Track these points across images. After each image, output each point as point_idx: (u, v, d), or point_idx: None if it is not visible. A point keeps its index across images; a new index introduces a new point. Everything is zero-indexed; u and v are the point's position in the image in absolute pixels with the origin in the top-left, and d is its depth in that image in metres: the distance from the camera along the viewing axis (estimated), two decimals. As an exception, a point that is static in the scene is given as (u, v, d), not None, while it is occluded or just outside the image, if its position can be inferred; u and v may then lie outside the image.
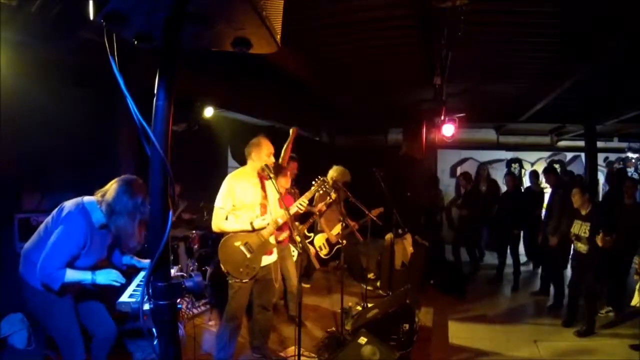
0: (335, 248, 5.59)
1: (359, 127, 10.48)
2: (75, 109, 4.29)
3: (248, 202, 3.43)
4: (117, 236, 2.72)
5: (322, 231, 5.75)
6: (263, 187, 3.56)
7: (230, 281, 3.41)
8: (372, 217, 5.51)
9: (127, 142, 4.73)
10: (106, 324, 2.89)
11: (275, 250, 3.68)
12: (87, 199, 2.68)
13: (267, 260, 3.56)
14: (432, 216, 8.27)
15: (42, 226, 2.70)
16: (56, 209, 2.70)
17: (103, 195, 2.61)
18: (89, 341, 2.86)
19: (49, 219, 2.69)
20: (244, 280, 3.36)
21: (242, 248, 3.37)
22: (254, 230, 3.37)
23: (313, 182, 3.74)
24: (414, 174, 8.98)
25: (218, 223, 3.38)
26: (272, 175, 3.43)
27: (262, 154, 3.47)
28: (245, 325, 4.37)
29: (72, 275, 2.50)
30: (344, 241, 5.00)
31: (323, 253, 5.60)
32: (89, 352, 2.84)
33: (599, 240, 4.30)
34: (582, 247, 4.70)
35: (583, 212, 4.73)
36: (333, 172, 5.64)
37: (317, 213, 5.45)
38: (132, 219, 2.57)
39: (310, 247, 5.47)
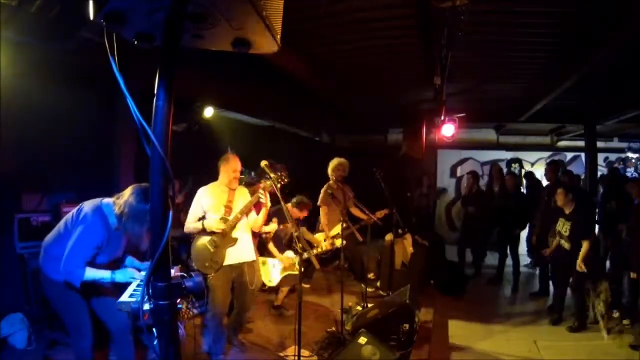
0: (334, 248, 5.56)
1: (359, 127, 10.48)
2: (76, 109, 4.29)
3: (214, 206, 3.72)
4: (129, 238, 2.88)
5: (321, 230, 5.76)
6: (231, 194, 3.79)
7: (207, 282, 3.59)
8: (372, 218, 5.51)
9: (127, 142, 4.73)
10: (117, 316, 2.98)
11: (251, 249, 3.84)
12: (105, 201, 2.79)
13: (237, 257, 3.70)
14: (423, 217, 8.28)
15: (62, 222, 2.84)
16: (76, 208, 2.82)
17: (118, 198, 2.73)
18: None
19: (68, 216, 2.82)
20: (210, 275, 3.61)
21: (207, 244, 3.64)
22: (204, 230, 3.65)
23: (271, 175, 3.79)
24: (414, 174, 8.98)
25: (187, 226, 3.77)
26: (271, 176, 3.64)
27: (228, 169, 3.75)
28: (247, 325, 4.40)
29: (91, 273, 2.66)
30: (344, 241, 4.99)
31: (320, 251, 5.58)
32: (105, 346, 3.05)
33: (579, 266, 4.72)
34: (565, 244, 4.94)
35: (567, 211, 4.98)
36: (330, 170, 5.72)
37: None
38: (141, 224, 2.68)
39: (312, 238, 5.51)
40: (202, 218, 3.71)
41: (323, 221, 5.71)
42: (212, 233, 3.65)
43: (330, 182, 5.70)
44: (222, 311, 3.69)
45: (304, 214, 5.27)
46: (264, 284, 4.84)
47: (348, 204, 5.70)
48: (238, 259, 3.72)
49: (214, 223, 3.61)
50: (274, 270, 4.94)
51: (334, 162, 5.77)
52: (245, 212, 3.75)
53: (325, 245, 5.29)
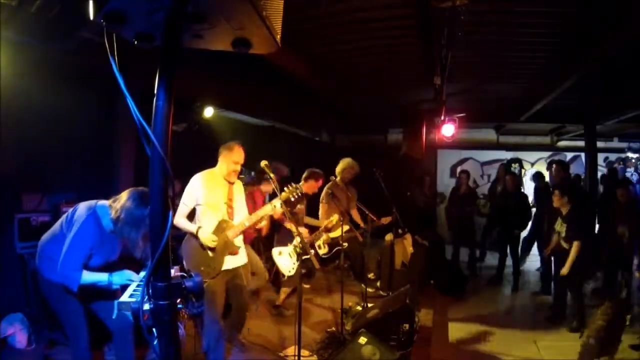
0: (335, 249, 5.55)
1: (359, 127, 10.48)
2: (75, 109, 4.30)
3: (214, 202, 3.45)
4: (124, 243, 2.86)
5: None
6: (230, 189, 3.58)
7: (204, 286, 3.42)
8: (373, 220, 5.51)
9: (127, 142, 4.73)
10: (116, 317, 2.97)
11: (244, 253, 3.66)
12: (100, 203, 2.77)
13: (234, 262, 3.52)
14: (425, 217, 8.29)
15: (58, 223, 2.84)
16: (71, 209, 2.81)
17: (114, 202, 2.71)
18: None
19: (64, 217, 2.82)
20: (204, 280, 3.34)
21: (206, 247, 3.37)
22: (196, 236, 3.36)
23: (285, 189, 3.68)
24: (414, 174, 8.98)
25: (177, 219, 3.38)
26: (271, 176, 3.45)
27: (229, 159, 3.48)
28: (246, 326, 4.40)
29: (88, 276, 2.65)
30: (345, 244, 4.99)
31: (322, 252, 5.58)
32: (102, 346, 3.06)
33: (569, 260, 4.77)
34: (564, 244, 4.99)
35: (564, 212, 5.06)
36: (338, 168, 5.71)
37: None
38: (137, 229, 2.66)
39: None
40: (193, 211, 3.47)
41: (321, 220, 5.70)
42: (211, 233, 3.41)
43: (336, 180, 5.69)
44: (220, 315, 3.56)
45: (319, 183, 5.18)
46: (283, 275, 4.83)
47: (350, 205, 5.70)
48: (235, 263, 3.55)
49: (208, 238, 3.33)
50: (290, 259, 4.86)
51: (345, 163, 5.70)
52: (255, 221, 3.54)
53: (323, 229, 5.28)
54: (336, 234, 5.47)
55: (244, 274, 3.68)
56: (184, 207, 3.43)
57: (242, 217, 3.59)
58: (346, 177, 5.70)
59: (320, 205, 5.67)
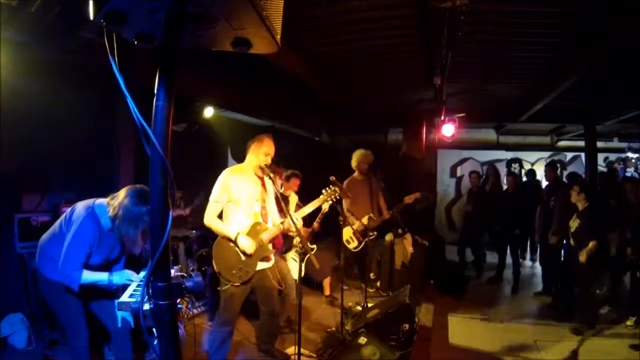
0: (364, 241, 5.36)
1: (359, 127, 10.47)
2: (75, 109, 4.29)
3: (245, 198, 3.35)
4: (122, 241, 2.87)
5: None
6: (263, 185, 3.51)
7: (222, 288, 3.32)
8: (372, 218, 5.51)
9: (127, 142, 4.73)
10: (115, 316, 2.97)
11: (273, 256, 3.57)
12: (98, 201, 2.77)
13: (262, 265, 3.44)
14: (428, 217, 8.29)
15: (57, 222, 2.84)
16: (70, 208, 2.81)
17: (112, 199, 2.71)
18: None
19: (63, 217, 2.82)
20: (235, 284, 3.25)
21: (238, 250, 3.27)
22: (234, 242, 3.25)
23: (323, 191, 3.71)
24: (414, 173, 8.98)
25: (209, 218, 3.28)
26: (271, 176, 3.43)
27: (260, 151, 3.42)
28: (245, 326, 4.40)
29: (88, 276, 2.65)
30: (375, 233, 4.97)
31: (352, 246, 5.52)
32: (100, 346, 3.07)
33: (582, 255, 4.65)
34: (573, 241, 4.95)
35: (580, 208, 4.97)
36: (353, 162, 5.77)
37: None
38: (135, 227, 2.67)
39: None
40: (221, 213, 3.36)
41: (347, 214, 5.61)
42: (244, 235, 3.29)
43: (354, 176, 5.75)
44: (233, 320, 3.45)
45: (297, 182, 5.20)
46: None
47: (374, 194, 5.69)
48: (264, 266, 3.44)
49: (249, 246, 3.23)
50: (296, 263, 4.79)
51: (358, 154, 5.80)
52: (289, 225, 3.46)
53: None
54: (347, 234, 5.38)
55: (272, 275, 3.53)
56: (216, 206, 3.28)
57: (274, 217, 3.54)
58: (362, 167, 5.73)
59: (343, 201, 5.65)
